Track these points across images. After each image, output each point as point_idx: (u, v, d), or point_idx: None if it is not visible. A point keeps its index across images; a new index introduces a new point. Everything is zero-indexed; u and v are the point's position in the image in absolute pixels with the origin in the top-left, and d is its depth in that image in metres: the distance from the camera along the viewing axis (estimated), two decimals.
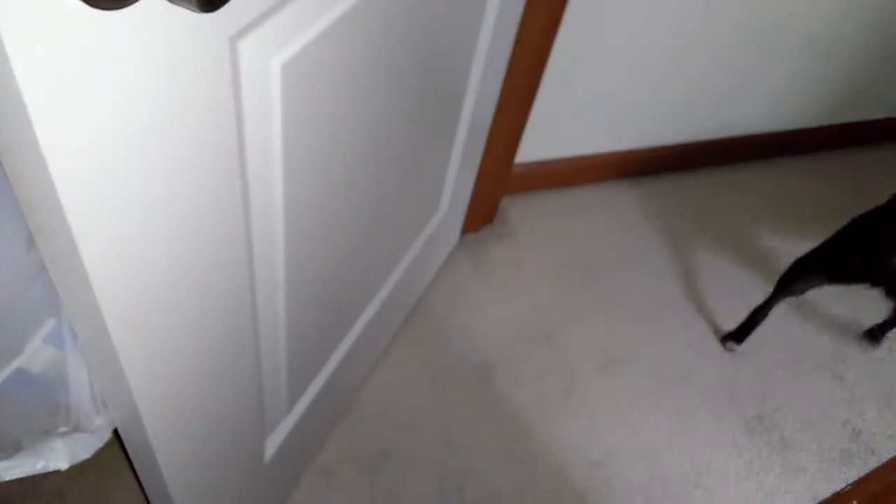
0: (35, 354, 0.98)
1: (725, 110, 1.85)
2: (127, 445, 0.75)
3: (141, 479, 0.83)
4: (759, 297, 1.53)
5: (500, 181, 1.59)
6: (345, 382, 1.23)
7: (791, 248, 1.52)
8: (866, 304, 1.67)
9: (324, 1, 0.58)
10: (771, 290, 1.51)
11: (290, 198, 0.69)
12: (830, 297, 1.68)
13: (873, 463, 1.45)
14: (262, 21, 0.52)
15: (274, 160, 0.63)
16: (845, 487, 0.85)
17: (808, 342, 1.64)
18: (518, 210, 1.75)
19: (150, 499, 0.88)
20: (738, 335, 1.59)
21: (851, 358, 1.63)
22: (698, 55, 1.63)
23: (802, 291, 1.51)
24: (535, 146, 1.64)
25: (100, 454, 0.95)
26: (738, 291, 1.66)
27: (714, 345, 1.59)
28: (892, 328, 1.68)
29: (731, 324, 1.59)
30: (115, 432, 0.97)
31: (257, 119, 0.57)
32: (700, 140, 1.89)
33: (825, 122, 2.04)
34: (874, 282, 1.37)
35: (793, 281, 1.47)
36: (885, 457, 1.46)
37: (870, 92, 2.00)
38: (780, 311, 1.56)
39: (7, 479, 0.88)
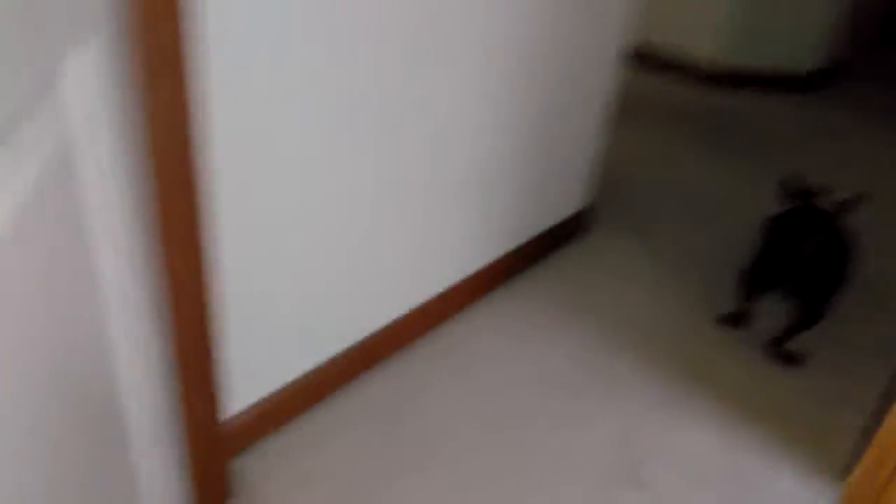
0: None
1: (422, 275, 1.77)
2: None
3: None
4: None
5: (215, 451, 1.32)
6: None
7: None
8: None
9: None
10: None
11: None
12: None
13: None
14: None
15: None
16: None
17: None
18: (257, 465, 1.48)
19: None
20: (737, 320, 1.94)
21: None
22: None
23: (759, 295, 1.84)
24: (245, 390, 1.44)
25: None
26: None
27: None
28: (797, 333, 1.81)
29: None
30: None
31: None
32: (403, 314, 1.76)
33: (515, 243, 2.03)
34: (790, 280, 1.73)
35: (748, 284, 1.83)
36: None
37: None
38: None
39: None
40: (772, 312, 1.88)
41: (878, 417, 1.36)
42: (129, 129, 0.91)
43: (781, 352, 1.86)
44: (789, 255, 1.72)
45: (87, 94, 0.79)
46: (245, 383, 1.43)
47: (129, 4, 0.84)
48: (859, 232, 1.83)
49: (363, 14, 1.25)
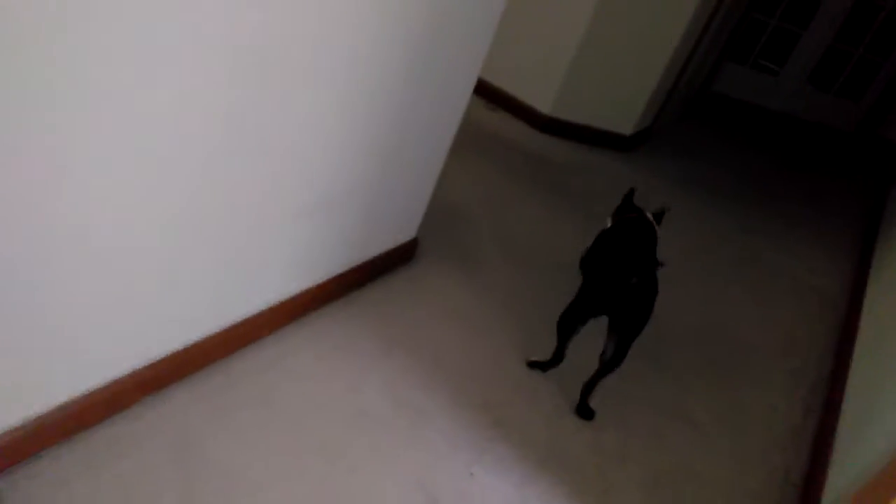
0: None
1: (235, 295, 1.65)
2: None
3: None
4: None
5: None
6: None
7: None
8: None
9: None
10: None
11: None
12: None
13: None
14: None
15: None
16: None
17: None
18: (23, 491, 1.29)
19: None
20: (546, 366, 2.05)
21: None
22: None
23: (574, 332, 1.97)
24: (10, 406, 1.25)
25: None
26: None
27: None
28: (605, 374, 1.93)
29: None
30: None
31: None
32: (213, 332, 1.63)
33: (341, 269, 1.98)
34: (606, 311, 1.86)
35: (566, 326, 1.96)
36: None
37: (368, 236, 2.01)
38: None
39: None
40: (576, 359, 2.00)
41: None
42: None
43: (584, 404, 1.96)
44: (614, 285, 1.82)
45: None
46: (9, 397, 1.22)
47: None
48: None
49: (211, 22, 1.12)
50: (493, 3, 1.81)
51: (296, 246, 1.73)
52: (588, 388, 1.96)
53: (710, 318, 2.66)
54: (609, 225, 2.09)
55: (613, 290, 1.84)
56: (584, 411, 1.97)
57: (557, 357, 2.04)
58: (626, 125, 3.77)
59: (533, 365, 2.06)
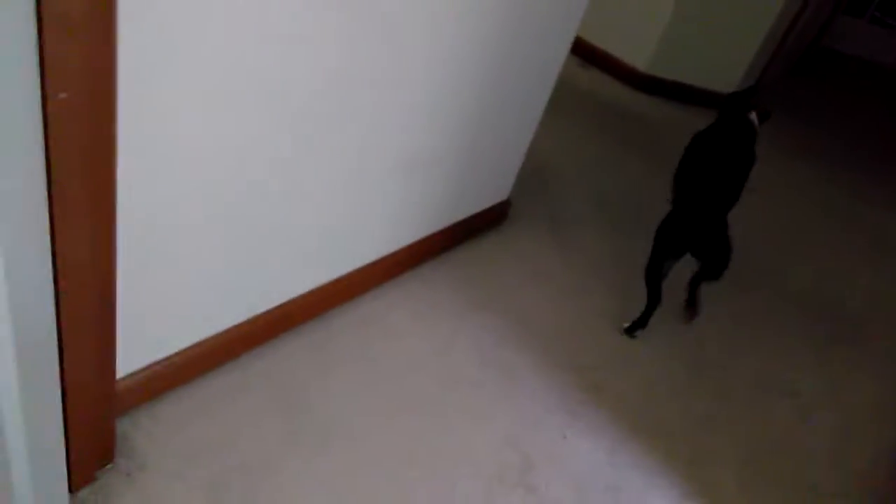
0: None
1: (336, 251, 1.69)
2: None
3: None
4: None
5: (102, 408, 1.22)
6: None
7: None
8: None
9: None
10: None
11: None
12: None
13: None
14: None
15: None
16: None
17: None
18: (145, 429, 1.39)
19: None
20: (645, 318, 1.99)
21: None
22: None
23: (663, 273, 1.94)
24: (139, 351, 1.34)
25: None
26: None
27: None
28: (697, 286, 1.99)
29: None
30: None
31: None
32: (315, 287, 1.68)
33: (435, 229, 1.99)
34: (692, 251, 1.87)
35: (654, 270, 1.94)
36: None
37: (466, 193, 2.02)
38: None
39: None
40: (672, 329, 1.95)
41: None
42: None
43: (692, 298, 2.00)
44: (701, 224, 1.88)
45: None
46: (140, 343, 1.32)
47: None
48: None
49: None
50: None
51: (393, 204, 1.75)
52: (698, 282, 1.96)
53: (821, 288, 2.53)
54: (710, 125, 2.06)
55: (701, 228, 1.86)
56: (693, 304, 2.01)
57: (654, 301, 1.98)
58: (728, 84, 3.57)
59: (631, 329, 2.02)
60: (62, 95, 0.82)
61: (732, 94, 2.23)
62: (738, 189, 1.94)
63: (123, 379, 1.33)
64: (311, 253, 1.61)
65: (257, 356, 1.61)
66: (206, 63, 1.07)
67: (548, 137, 2.71)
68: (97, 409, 1.21)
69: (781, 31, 3.60)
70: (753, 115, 2.05)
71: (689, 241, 1.87)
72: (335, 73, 1.30)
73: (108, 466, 1.31)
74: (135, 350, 1.32)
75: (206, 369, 1.53)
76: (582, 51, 3.63)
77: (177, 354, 1.42)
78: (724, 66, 3.53)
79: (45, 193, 0.87)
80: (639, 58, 3.49)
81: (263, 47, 1.13)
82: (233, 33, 1.07)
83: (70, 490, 1.22)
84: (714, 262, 1.88)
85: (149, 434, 1.39)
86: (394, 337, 1.79)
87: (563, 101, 3.03)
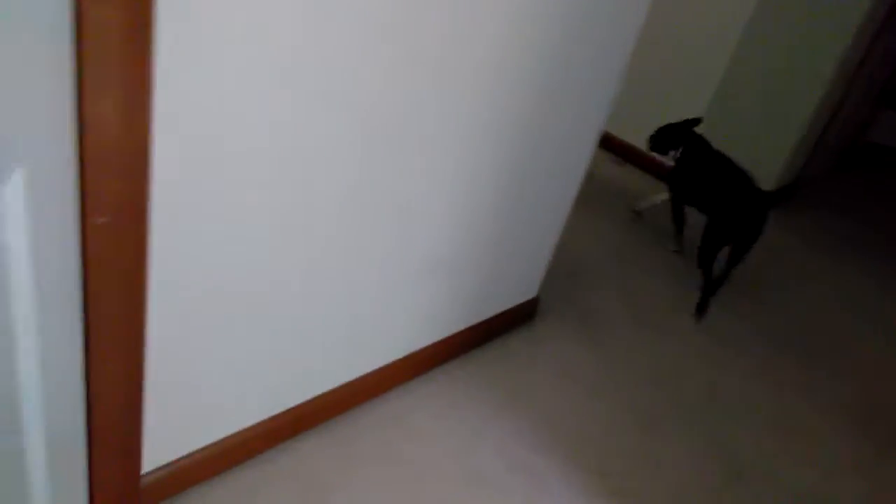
0: None
1: (361, 349, 1.74)
2: None
3: None
4: None
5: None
6: None
7: None
8: None
9: None
10: None
11: None
12: None
13: None
14: None
15: None
16: None
17: None
18: None
19: None
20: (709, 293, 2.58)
21: None
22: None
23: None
24: (164, 446, 1.40)
25: None
26: None
27: None
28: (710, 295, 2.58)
29: None
30: None
31: None
32: (339, 385, 1.73)
33: (461, 327, 2.04)
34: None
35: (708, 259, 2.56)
36: None
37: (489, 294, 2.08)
38: None
39: None
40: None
41: None
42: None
43: (703, 305, 2.54)
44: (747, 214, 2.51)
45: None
46: (165, 438, 1.38)
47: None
48: None
49: (341, 89, 1.24)
50: (616, 53, 1.83)
51: (419, 303, 1.81)
52: (706, 292, 2.55)
53: (869, 393, 2.44)
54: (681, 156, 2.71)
55: (746, 217, 2.47)
56: (703, 309, 2.54)
57: (716, 282, 2.56)
58: (766, 180, 3.58)
59: (699, 312, 2.55)
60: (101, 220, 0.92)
61: (675, 126, 2.76)
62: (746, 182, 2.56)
63: (148, 474, 1.39)
64: (336, 350, 1.67)
65: (282, 451, 1.65)
66: (236, 168, 1.17)
67: (580, 233, 2.76)
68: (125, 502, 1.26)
69: (820, 127, 3.62)
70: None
71: (736, 233, 2.50)
72: (356, 186, 1.40)
73: None
74: (160, 445, 1.38)
75: (231, 464, 1.58)
76: (617, 149, 3.72)
77: (201, 450, 1.48)
78: (762, 162, 3.55)
79: (79, 303, 0.96)
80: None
81: (285, 164, 1.24)
82: (251, 154, 1.18)
83: None
84: (747, 243, 2.52)
85: None
86: (418, 437, 1.81)
87: (596, 197, 3.09)
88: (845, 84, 3.55)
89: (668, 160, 2.86)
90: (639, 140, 3.66)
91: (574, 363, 2.21)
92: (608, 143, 3.70)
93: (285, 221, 1.31)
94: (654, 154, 2.87)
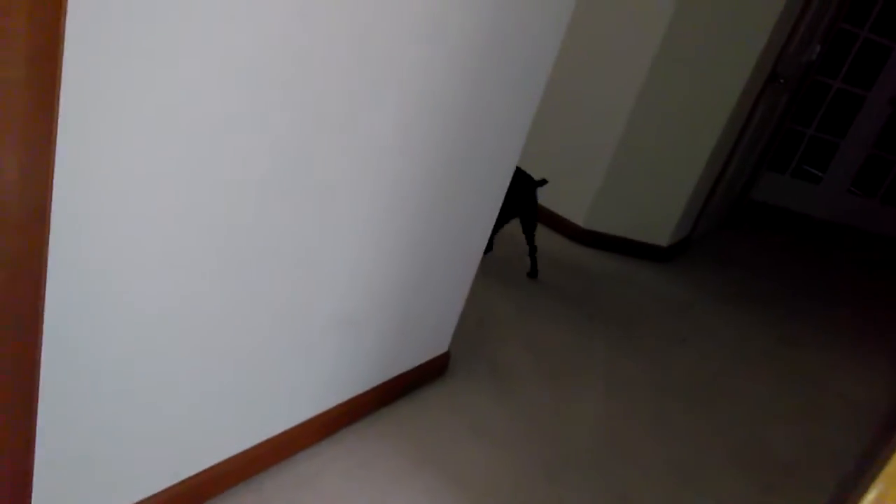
0: None
1: (265, 410, 1.70)
2: None
3: None
4: None
5: None
6: None
7: None
8: None
9: None
10: None
11: None
12: None
13: None
14: None
15: None
16: None
17: None
18: None
19: None
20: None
21: None
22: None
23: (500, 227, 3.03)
24: None
25: None
26: None
27: None
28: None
29: None
30: None
31: None
32: (244, 449, 1.68)
33: (371, 385, 2.03)
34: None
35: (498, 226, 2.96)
36: None
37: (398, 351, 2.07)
38: None
39: None
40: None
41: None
42: None
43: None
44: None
45: None
46: None
47: None
48: None
49: (240, 139, 1.25)
50: (519, 117, 1.93)
51: (326, 361, 1.79)
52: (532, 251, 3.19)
53: (750, 435, 2.58)
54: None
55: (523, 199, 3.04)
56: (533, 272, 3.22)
57: (531, 250, 3.19)
58: (662, 236, 3.81)
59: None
60: None
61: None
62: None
63: None
64: (239, 414, 1.63)
65: None
66: (148, 220, 1.15)
67: (490, 290, 2.83)
68: None
69: (707, 189, 3.91)
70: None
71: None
72: (254, 238, 1.39)
73: None
74: None
75: None
76: None
77: None
78: (656, 221, 3.78)
79: None
80: (576, 213, 3.73)
81: (187, 218, 1.23)
82: (158, 208, 1.17)
83: None
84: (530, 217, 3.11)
85: None
86: (327, 499, 1.76)
87: (503, 254, 3.19)
88: (729, 150, 3.86)
89: None
90: (545, 198, 3.82)
91: (484, 417, 2.23)
92: None
93: (185, 278, 1.29)
94: None
